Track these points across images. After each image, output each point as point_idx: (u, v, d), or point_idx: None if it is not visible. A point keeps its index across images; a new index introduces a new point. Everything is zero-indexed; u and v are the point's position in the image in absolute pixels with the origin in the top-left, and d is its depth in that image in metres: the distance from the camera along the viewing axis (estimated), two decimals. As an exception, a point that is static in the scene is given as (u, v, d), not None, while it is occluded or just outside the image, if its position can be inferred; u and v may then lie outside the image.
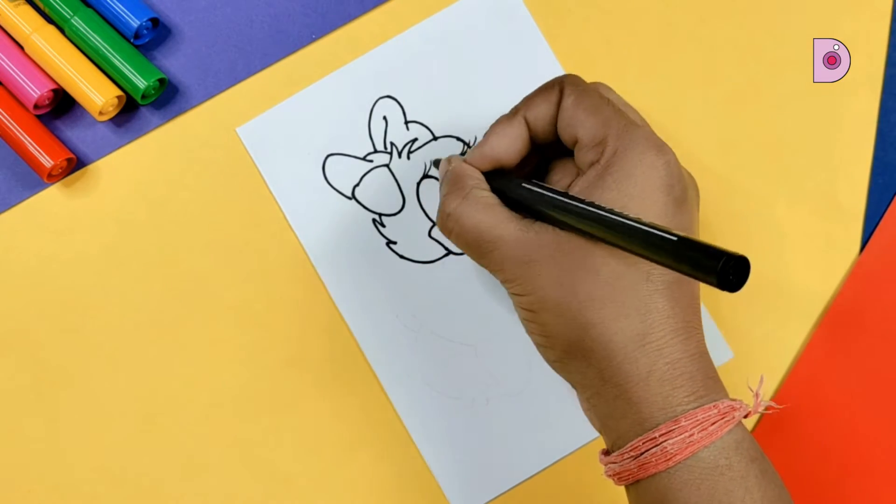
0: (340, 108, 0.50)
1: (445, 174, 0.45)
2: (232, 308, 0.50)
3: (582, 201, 0.40)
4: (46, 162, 0.48)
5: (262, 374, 0.50)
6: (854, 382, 0.49)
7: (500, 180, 0.44)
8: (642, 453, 0.39)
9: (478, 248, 0.42)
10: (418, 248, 0.50)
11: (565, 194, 0.41)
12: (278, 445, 0.50)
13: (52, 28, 0.49)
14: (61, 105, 0.50)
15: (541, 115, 0.43)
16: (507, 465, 0.50)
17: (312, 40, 0.50)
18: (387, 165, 0.50)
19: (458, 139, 0.50)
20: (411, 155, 0.50)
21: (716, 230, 0.50)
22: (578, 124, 0.42)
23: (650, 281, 0.40)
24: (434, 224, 0.50)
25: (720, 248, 0.33)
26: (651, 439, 0.39)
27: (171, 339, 0.50)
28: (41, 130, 0.49)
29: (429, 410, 0.50)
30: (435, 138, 0.50)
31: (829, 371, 0.49)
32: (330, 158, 0.50)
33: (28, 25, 0.48)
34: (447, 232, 0.43)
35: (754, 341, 0.50)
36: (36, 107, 0.49)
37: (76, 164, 0.50)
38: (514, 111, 0.44)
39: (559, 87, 0.43)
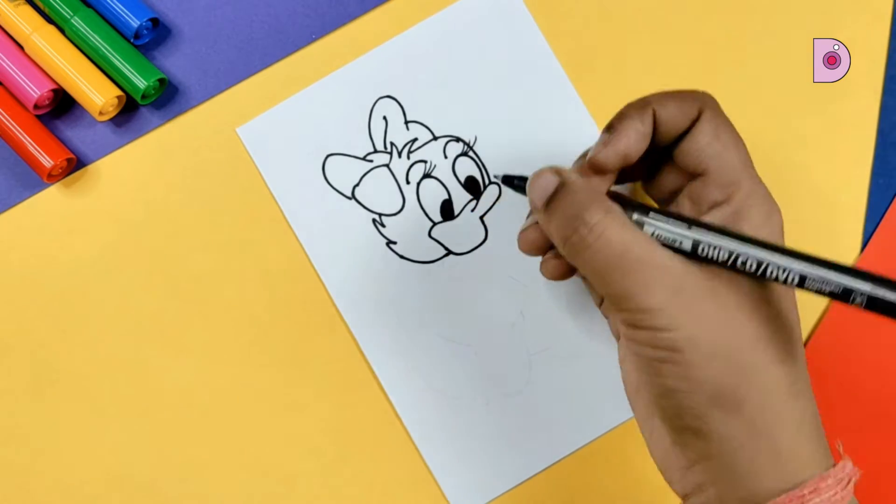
0: (340, 108, 0.50)
1: (562, 186, 0.39)
2: (232, 308, 0.50)
3: (752, 238, 0.37)
4: (46, 162, 0.48)
5: (262, 374, 0.50)
6: (854, 383, 0.49)
7: (620, 202, 0.40)
8: None
9: (619, 267, 0.37)
10: (418, 248, 0.50)
11: (726, 229, 0.38)
12: (278, 445, 0.50)
13: (52, 28, 0.49)
14: (61, 105, 0.50)
15: (672, 120, 0.40)
16: (507, 465, 0.50)
17: (312, 40, 0.50)
18: (387, 165, 0.50)
19: (458, 139, 0.50)
20: (411, 155, 0.50)
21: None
22: (715, 156, 0.39)
23: (790, 329, 0.38)
24: (434, 224, 0.50)
25: None
26: (799, 496, 0.36)
27: (171, 339, 0.50)
28: (41, 130, 0.49)
29: (429, 410, 0.50)
30: (435, 138, 0.50)
31: (829, 372, 0.49)
32: (330, 158, 0.50)
33: (28, 25, 0.48)
34: (580, 245, 0.38)
35: (754, 341, 0.50)
36: (36, 107, 0.49)
37: (76, 164, 0.50)
38: (644, 104, 0.40)
39: (699, 104, 0.40)
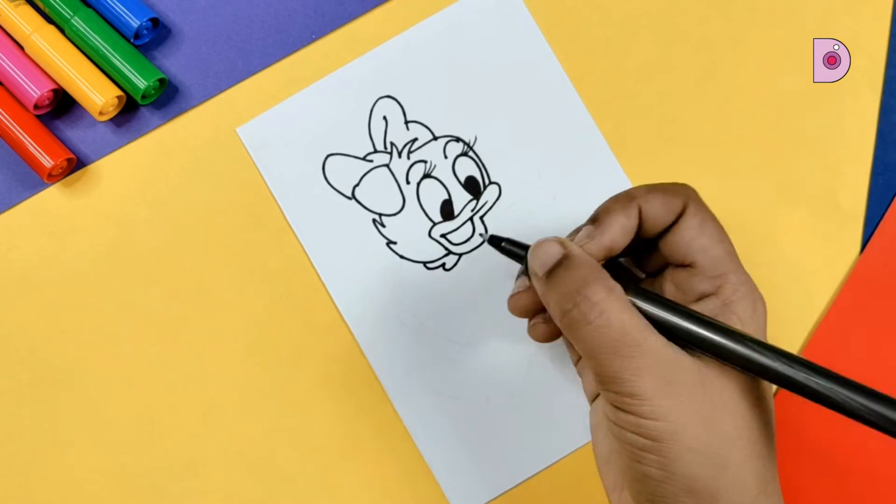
0: (340, 108, 0.50)
1: (566, 259, 0.39)
2: (232, 308, 0.50)
3: (744, 335, 0.38)
4: (46, 162, 0.48)
5: (263, 374, 0.50)
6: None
7: (620, 281, 0.40)
8: None
9: (614, 350, 0.37)
10: (418, 248, 0.50)
11: (719, 323, 0.38)
12: (278, 445, 0.50)
13: (52, 28, 0.49)
14: (61, 105, 0.50)
15: (657, 215, 0.41)
16: (507, 465, 0.50)
17: (312, 40, 0.50)
18: (387, 165, 0.50)
19: (458, 139, 0.50)
20: (411, 155, 0.50)
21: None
22: (702, 249, 0.40)
23: (770, 424, 0.39)
24: (434, 224, 0.50)
25: None
26: None
27: (171, 339, 0.50)
28: (41, 130, 0.49)
29: (429, 410, 0.50)
30: (435, 138, 0.50)
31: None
32: (330, 158, 0.50)
33: (28, 25, 0.48)
34: (581, 321, 0.38)
35: (754, 341, 0.50)
36: (36, 107, 0.49)
37: (76, 164, 0.50)
38: (629, 198, 0.41)
39: (683, 198, 0.41)
